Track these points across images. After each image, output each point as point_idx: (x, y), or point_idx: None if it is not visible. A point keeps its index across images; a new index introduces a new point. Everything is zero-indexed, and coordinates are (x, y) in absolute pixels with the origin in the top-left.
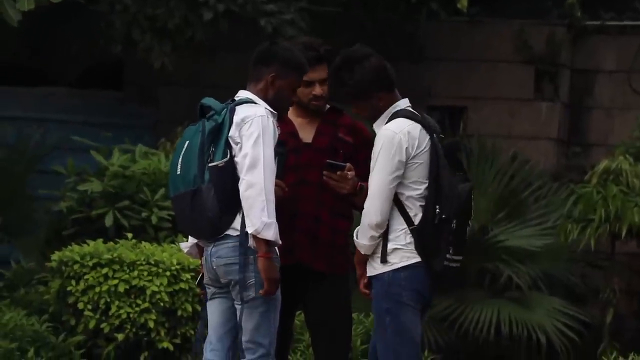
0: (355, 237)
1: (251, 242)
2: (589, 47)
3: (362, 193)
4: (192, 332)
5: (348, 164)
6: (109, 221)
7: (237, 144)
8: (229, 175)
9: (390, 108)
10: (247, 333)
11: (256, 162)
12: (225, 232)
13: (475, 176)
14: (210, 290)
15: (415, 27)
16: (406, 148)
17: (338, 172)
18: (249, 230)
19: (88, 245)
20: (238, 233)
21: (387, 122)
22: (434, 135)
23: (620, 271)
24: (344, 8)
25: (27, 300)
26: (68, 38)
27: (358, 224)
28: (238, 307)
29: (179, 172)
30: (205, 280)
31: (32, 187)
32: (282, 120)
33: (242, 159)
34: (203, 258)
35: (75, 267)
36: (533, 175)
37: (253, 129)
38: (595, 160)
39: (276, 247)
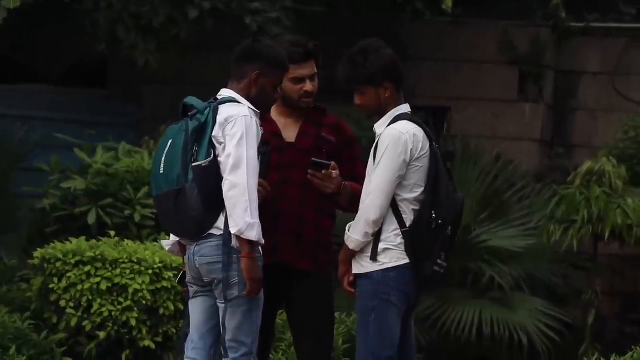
0: (347, 231)
1: (234, 242)
2: (573, 48)
3: (347, 192)
4: (174, 331)
5: (333, 163)
6: (91, 219)
7: (220, 144)
8: (213, 175)
9: (394, 110)
10: (230, 332)
11: (239, 162)
12: (209, 232)
13: (459, 177)
14: (192, 289)
15: (399, 27)
16: (411, 149)
17: (323, 171)
18: (232, 230)
19: (71, 242)
20: (221, 232)
21: (389, 124)
22: (434, 142)
23: (602, 272)
24: (328, 7)
25: (9, 298)
26: (53, 36)
27: (342, 223)
28: (221, 306)
29: (161, 171)
30: (188, 278)
31: (16, 185)
32: (264, 119)
33: (226, 159)
34: (186, 257)
35: (58, 264)
36: (516, 176)
37: (236, 129)
38: (578, 162)
39: (259, 247)
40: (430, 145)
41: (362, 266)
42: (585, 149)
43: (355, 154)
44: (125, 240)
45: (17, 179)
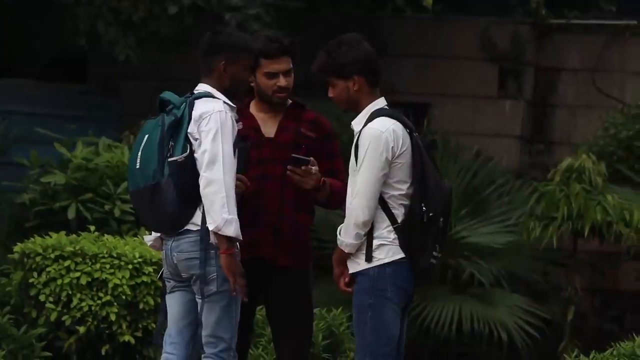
0: (339, 235)
1: (212, 239)
2: (554, 45)
3: (325, 188)
4: (154, 326)
5: (312, 159)
6: (71, 213)
7: (196, 139)
8: (189, 170)
9: (370, 106)
10: (209, 327)
11: (215, 158)
12: (186, 227)
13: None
14: (169, 284)
15: (380, 23)
16: (392, 147)
17: (302, 167)
18: (210, 227)
19: (50, 237)
20: (198, 228)
21: (367, 121)
22: (414, 134)
23: (582, 269)
24: (309, 3)
25: None
26: (33, 30)
27: (322, 219)
28: (199, 301)
29: (137, 166)
30: (165, 273)
31: None
32: (243, 114)
33: (201, 155)
34: (163, 252)
35: (38, 259)
36: (496, 172)
37: (211, 125)
38: (558, 159)
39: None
40: (411, 138)
41: (358, 264)
42: (565, 146)
43: (335, 149)
44: (105, 235)
45: None
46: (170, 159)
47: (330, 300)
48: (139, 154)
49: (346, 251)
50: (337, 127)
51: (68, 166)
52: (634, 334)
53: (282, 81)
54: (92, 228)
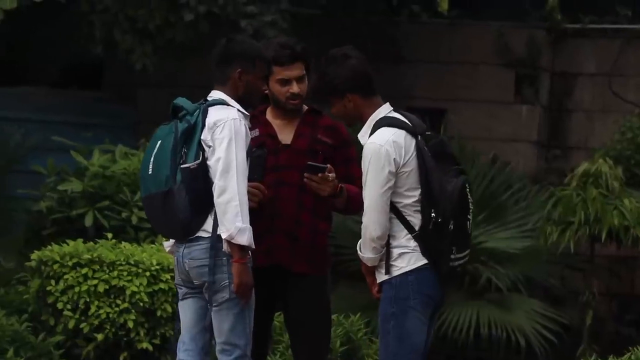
0: (359, 251)
1: (225, 247)
2: (569, 50)
3: (343, 195)
4: (172, 333)
5: (329, 166)
6: (88, 221)
7: (209, 147)
8: (201, 177)
9: (373, 115)
10: (223, 335)
11: (229, 166)
12: (197, 234)
13: None
14: (181, 290)
15: (395, 29)
16: (394, 159)
17: (319, 174)
18: (223, 235)
19: (68, 245)
20: (209, 235)
21: (371, 132)
22: (419, 137)
23: (599, 274)
24: (324, 9)
25: (6, 300)
26: (48, 38)
27: (340, 225)
28: (212, 309)
29: (150, 172)
30: (177, 280)
31: (12, 187)
32: (260, 120)
33: (215, 163)
34: (175, 258)
35: (55, 267)
36: (513, 178)
37: (225, 132)
38: (575, 163)
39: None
40: (416, 143)
41: (382, 274)
42: (581, 151)
43: (351, 155)
44: (123, 242)
45: (14, 181)
46: (182, 166)
47: (348, 306)
48: (152, 159)
49: (369, 264)
50: (353, 133)
51: (85, 174)
52: None
53: (294, 88)
54: (110, 235)
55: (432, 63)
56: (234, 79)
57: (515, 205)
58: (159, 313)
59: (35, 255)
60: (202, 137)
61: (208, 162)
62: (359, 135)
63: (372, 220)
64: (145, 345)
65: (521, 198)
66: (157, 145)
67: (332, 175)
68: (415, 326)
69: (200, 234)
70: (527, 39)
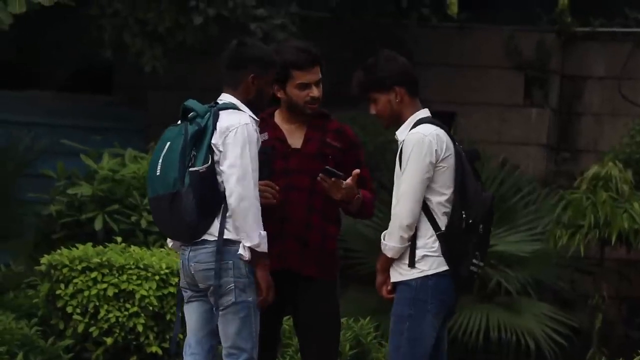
0: (383, 240)
1: (246, 254)
2: (579, 53)
3: (358, 202)
4: (181, 337)
5: (343, 175)
6: (98, 225)
7: (220, 151)
8: (209, 181)
9: (413, 116)
10: (229, 339)
11: (245, 173)
12: (203, 237)
13: None
14: (186, 294)
15: (404, 32)
16: (436, 150)
17: (332, 179)
18: (247, 244)
19: (77, 249)
20: (215, 238)
21: (410, 129)
22: (456, 142)
23: (609, 277)
24: (333, 13)
25: (16, 304)
26: (58, 41)
27: (349, 228)
28: (218, 312)
29: (158, 173)
30: (182, 283)
31: (22, 191)
32: (269, 124)
33: (229, 169)
34: (180, 261)
35: (65, 270)
36: (522, 181)
37: (238, 138)
38: (584, 166)
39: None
40: (454, 146)
41: (401, 274)
42: (591, 154)
43: (360, 158)
44: (132, 246)
45: (23, 185)
46: (191, 169)
47: (358, 309)
48: (160, 161)
49: (389, 255)
50: (362, 136)
51: (94, 177)
52: None
53: (314, 92)
54: (119, 239)
55: (442, 66)
56: (247, 84)
57: (524, 208)
58: (168, 317)
59: (44, 259)
60: (213, 142)
61: (220, 168)
62: (398, 132)
63: (405, 207)
64: (154, 349)
65: (531, 201)
66: (166, 147)
67: (347, 183)
68: (428, 330)
69: (206, 237)
70: (537, 42)
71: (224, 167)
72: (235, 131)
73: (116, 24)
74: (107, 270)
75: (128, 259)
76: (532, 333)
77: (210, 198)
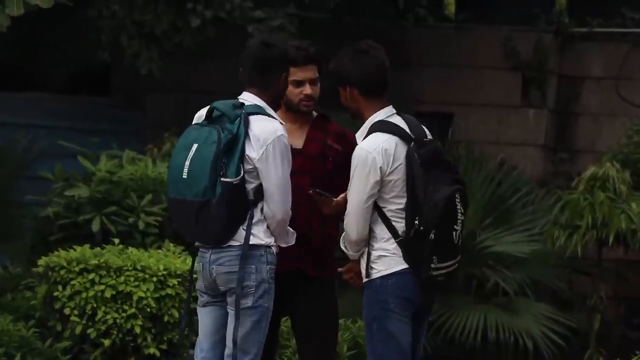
0: (342, 243)
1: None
2: (577, 53)
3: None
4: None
5: (333, 197)
6: (96, 227)
7: (256, 166)
8: (241, 191)
9: (371, 117)
10: (237, 340)
11: (287, 187)
12: (228, 243)
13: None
14: (203, 298)
15: (402, 33)
16: (380, 167)
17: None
18: (282, 245)
19: (75, 250)
20: (240, 243)
21: (366, 135)
22: (412, 143)
23: (607, 277)
24: (331, 14)
25: (13, 306)
26: (56, 44)
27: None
28: (232, 313)
29: (184, 177)
30: (199, 286)
31: (19, 193)
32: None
33: (274, 188)
34: (199, 264)
35: (62, 272)
36: (520, 181)
37: (277, 151)
38: (582, 167)
39: None
40: (408, 150)
41: (364, 275)
42: (588, 154)
43: None
44: (129, 247)
45: (21, 187)
46: (224, 180)
47: (356, 311)
48: (187, 163)
49: (351, 258)
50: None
51: (92, 179)
52: None
53: (308, 89)
54: (117, 241)
55: (439, 67)
56: (278, 85)
57: (522, 209)
58: (165, 318)
59: (42, 260)
60: (248, 154)
61: (264, 184)
62: (357, 135)
63: (351, 224)
64: (152, 350)
65: (528, 202)
66: (193, 149)
67: (336, 200)
68: (398, 328)
69: (231, 242)
70: (535, 42)
71: (267, 184)
72: (273, 144)
73: (113, 25)
74: (105, 272)
75: (125, 260)
76: (530, 333)
77: (240, 207)
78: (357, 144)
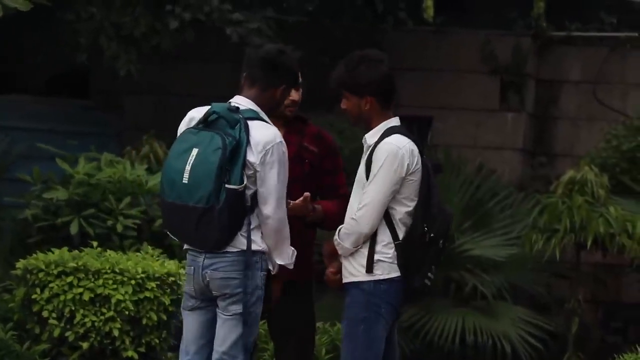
0: (337, 237)
1: (275, 269)
2: (555, 57)
3: (317, 215)
4: (157, 341)
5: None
6: (74, 229)
7: (257, 170)
8: (243, 198)
9: (384, 123)
10: (226, 345)
11: (283, 194)
12: (226, 249)
13: (441, 186)
14: (190, 302)
15: (381, 36)
16: (407, 164)
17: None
18: (280, 261)
19: (53, 253)
20: (237, 250)
21: (382, 136)
22: (423, 155)
23: (585, 281)
24: (310, 17)
25: None
26: (34, 46)
27: (325, 233)
28: (224, 317)
29: (185, 181)
30: (188, 289)
31: None
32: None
33: (269, 192)
34: (190, 268)
35: (40, 275)
36: (499, 185)
37: (275, 158)
38: (560, 171)
39: None
40: (421, 158)
41: (354, 275)
42: (567, 158)
43: (337, 164)
44: (108, 250)
45: (0, 189)
46: (229, 187)
47: (334, 314)
48: (188, 168)
49: (340, 253)
50: (339, 141)
51: (70, 182)
52: (637, 346)
53: (294, 95)
54: (95, 244)
55: (418, 71)
56: (275, 92)
57: (501, 213)
58: (144, 321)
59: (20, 263)
60: (249, 159)
61: (258, 188)
62: (367, 136)
63: (367, 215)
64: (130, 353)
65: (507, 206)
66: (194, 154)
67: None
68: (381, 334)
69: (229, 248)
70: (513, 46)
71: (262, 188)
72: (271, 151)
73: (92, 27)
74: (83, 275)
75: (104, 263)
76: (508, 337)
77: (241, 214)
78: (334, 145)
